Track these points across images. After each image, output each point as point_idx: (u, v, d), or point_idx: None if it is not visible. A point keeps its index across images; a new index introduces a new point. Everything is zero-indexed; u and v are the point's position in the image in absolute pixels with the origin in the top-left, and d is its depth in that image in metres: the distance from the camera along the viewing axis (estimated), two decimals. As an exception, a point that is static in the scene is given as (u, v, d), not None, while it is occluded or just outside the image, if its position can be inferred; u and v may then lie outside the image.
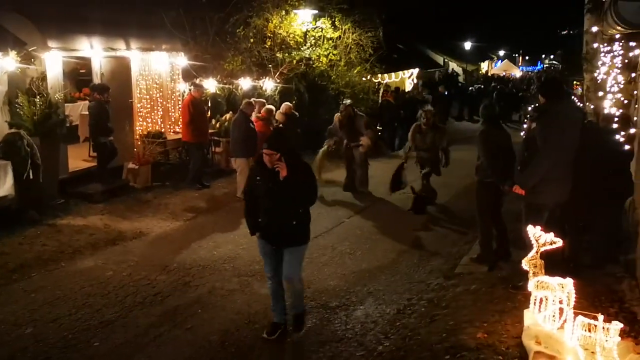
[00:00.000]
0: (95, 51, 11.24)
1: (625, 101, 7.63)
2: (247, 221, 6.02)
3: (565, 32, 54.48)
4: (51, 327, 5.95)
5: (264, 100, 13.38)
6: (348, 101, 12.89)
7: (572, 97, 11.66)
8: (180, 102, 13.54)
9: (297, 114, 13.67)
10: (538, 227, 5.56)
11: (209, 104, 14.55)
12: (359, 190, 12.27)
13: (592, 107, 8.98)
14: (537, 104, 7.10)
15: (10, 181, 8.99)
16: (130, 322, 6.11)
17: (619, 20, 6.22)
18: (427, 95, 25.03)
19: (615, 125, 7.08)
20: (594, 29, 8.26)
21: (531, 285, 5.37)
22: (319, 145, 16.54)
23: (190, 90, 12.67)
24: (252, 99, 12.47)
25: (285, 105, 13.14)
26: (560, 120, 6.02)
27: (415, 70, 29.13)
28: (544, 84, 6.80)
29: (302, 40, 16.69)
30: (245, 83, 14.77)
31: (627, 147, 6.95)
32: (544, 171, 6.03)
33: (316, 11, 16.76)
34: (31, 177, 9.23)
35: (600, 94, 8.19)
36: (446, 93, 26.43)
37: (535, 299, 5.30)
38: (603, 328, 4.52)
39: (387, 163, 16.74)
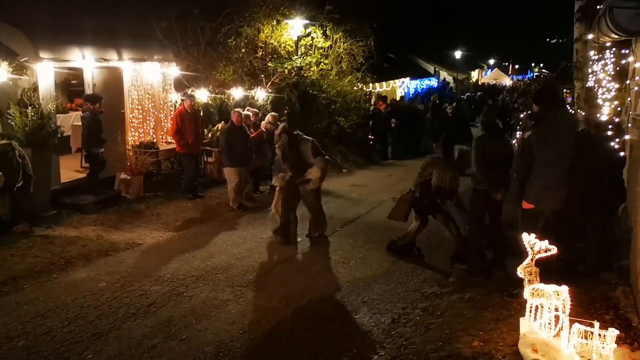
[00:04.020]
0: (87, 62, 11.22)
1: (619, 108, 7.67)
2: None
3: (554, 41, 55.03)
4: (44, 340, 5.88)
5: (255, 110, 13.40)
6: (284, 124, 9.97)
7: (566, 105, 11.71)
8: (172, 112, 13.52)
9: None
10: (533, 235, 5.57)
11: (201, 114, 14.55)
12: (311, 235, 9.63)
13: (583, 114, 9.01)
14: (529, 112, 7.13)
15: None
16: (123, 334, 6.05)
17: (615, 27, 6.24)
18: (418, 104, 25.12)
19: (609, 133, 7.12)
20: (590, 36, 8.29)
21: (526, 293, 5.38)
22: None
23: (182, 101, 12.65)
24: (247, 109, 12.48)
25: (270, 115, 13.05)
26: (555, 128, 6.06)
27: (406, 79, 29.28)
28: (538, 92, 6.84)
29: (293, 49, 16.72)
30: (237, 93, 14.77)
31: (620, 154, 6.99)
32: (544, 179, 6.05)
33: (307, 21, 16.80)
34: (23, 188, 9.18)
35: (594, 101, 8.22)
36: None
37: (530, 307, 5.31)
38: (599, 335, 4.52)
39: (378, 172, 16.87)
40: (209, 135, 13.78)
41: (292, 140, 9.16)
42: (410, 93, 31.16)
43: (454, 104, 20.61)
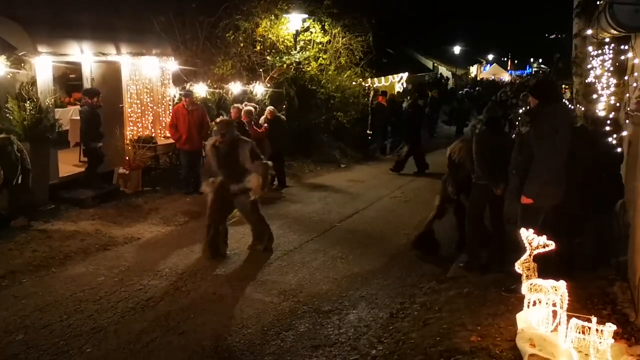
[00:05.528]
0: (85, 56, 11.17)
1: (617, 104, 7.67)
2: None
3: (553, 36, 54.92)
4: (42, 334, 5.90)
5: (255, 104, 13.39)
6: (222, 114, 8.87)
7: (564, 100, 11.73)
8: (171, 107, 13.51)
9: (283, 117, 13.58)
10: (531, 230, 5.57)
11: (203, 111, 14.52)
12: (256, 248, 8.67)
13: (582, 109, 9.01)
14: (527, 107, 7.10)
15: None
16: (122, 328, 6.07)
17: (615, 23, 6.22)
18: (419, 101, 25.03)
19: (607, 128, 7.12)
20: (589, 31, 8.28)
21: (524, 288, 5.38)
22: (309, 150, 16.61)
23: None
24: (245, 103, 12.46)
25: (268, 109, 13.04)
26: (553, 122, 6.05)
27: (405, 75, 29.23)
28: (536, 86, 6.81)
29: (291, 44, 16.71)
30: (235, 88, 14.75)
31: (618, 149, 6.99)
32: (542, 175, 6.05)
33: (306, 15, 16.77)
34: (21, 182, 9.17)
35: (593, 97, 8.21)
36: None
37: (528, 302, 5.31)
38: (597, 330, 4.53)
39: (377, 167, 16.86)
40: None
41: (232, 141, 8.17)
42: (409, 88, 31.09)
43: (410, 100, 20.40)
